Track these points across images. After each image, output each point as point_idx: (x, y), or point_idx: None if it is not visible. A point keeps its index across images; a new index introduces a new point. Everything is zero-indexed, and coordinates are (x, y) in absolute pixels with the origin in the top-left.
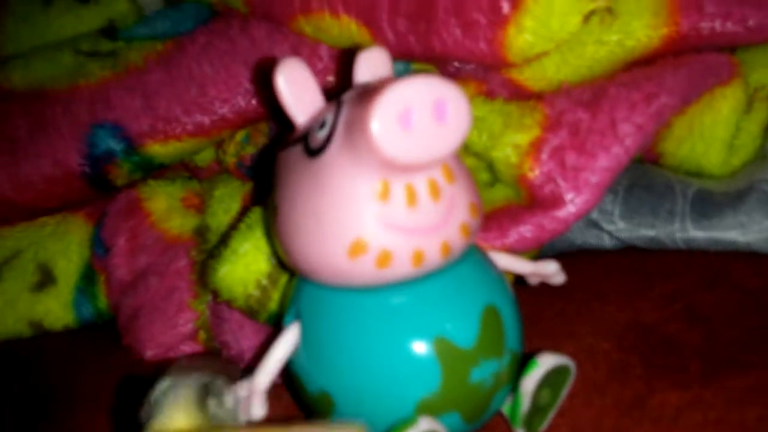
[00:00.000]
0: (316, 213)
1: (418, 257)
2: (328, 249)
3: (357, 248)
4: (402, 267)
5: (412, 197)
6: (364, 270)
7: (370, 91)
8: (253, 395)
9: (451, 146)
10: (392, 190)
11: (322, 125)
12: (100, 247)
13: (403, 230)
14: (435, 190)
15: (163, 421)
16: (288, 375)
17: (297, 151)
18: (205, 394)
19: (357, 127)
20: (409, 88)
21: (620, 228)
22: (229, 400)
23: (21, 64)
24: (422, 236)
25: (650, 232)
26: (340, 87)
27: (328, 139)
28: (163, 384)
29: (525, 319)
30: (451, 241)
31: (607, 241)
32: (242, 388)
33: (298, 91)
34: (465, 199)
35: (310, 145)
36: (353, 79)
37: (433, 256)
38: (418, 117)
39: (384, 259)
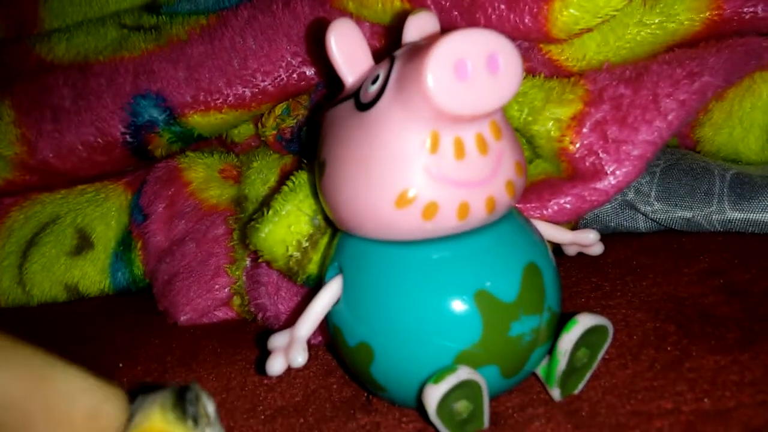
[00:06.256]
0: (365, 165)
1: (464, 210)
2: (375, 199)
3: (404, 199)
4: (447, 220)
5: (460, 150)
6: (409, 221)
7: (424, 45)
8: (295, 343)
9: (503, 98)
10: (441, 142)
11: (374, 80)
12: (138, 213)
13: (450, 182)
14: (483, 145)
15: (139, 420)
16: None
17: (347, 106)
18: (181, 397)
19: (411, 78)
20: (464, 39)
21: (656, 209)
22: (208, 404)
23: (64, 38)
24: (469, 189)
25: (687, 213)
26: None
27: (380, 92)
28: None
29: None
30: (497, 196)
31: (641, 224)
32: (283, 337)
33: (348, 50)
34: (511, 157)
35: (362, 99)
36: (402, 40)
37: (479, 210)
38: (472, 68)
39: (430, 210)
